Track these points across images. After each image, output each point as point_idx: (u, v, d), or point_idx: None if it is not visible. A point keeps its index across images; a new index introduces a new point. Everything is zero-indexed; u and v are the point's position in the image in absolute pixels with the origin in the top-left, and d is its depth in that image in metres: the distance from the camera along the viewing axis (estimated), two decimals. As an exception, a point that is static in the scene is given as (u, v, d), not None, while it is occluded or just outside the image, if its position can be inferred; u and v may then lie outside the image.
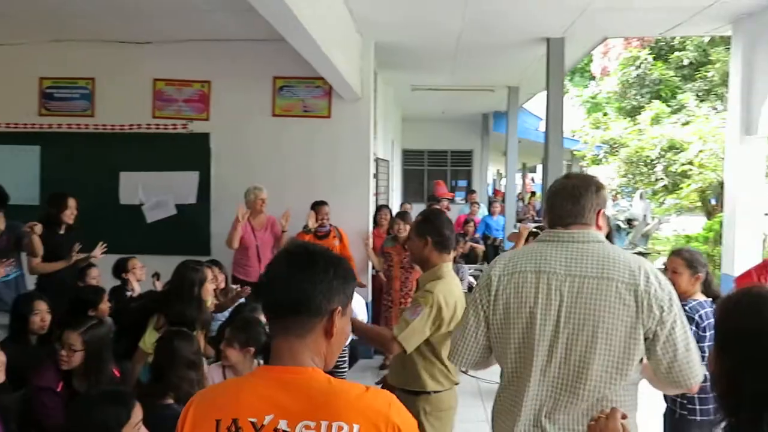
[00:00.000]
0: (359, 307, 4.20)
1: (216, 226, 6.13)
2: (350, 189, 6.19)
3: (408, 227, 5.61)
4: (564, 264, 1.91)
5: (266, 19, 3.61)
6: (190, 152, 6.28)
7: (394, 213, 6.88)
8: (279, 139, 6.26)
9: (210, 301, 3.64)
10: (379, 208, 7.07)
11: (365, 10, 5.29)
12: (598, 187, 2.02)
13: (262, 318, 2.90)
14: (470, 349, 2.04)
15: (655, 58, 13.33)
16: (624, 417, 1.48)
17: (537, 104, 13.20)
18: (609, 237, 5.85)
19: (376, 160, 7.58)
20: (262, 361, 3.21)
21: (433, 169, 15.23)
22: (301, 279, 1.24)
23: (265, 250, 5.55)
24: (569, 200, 1.98)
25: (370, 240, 6.12)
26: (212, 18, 5.42)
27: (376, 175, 7.34)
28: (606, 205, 2.07)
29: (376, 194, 7.76)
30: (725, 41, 12.33)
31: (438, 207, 7.62)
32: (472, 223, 9.26)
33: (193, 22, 5.58)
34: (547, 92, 6.33)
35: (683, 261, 3.17)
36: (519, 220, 11.39)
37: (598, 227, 1.99)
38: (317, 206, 5.67)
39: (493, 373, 2.32)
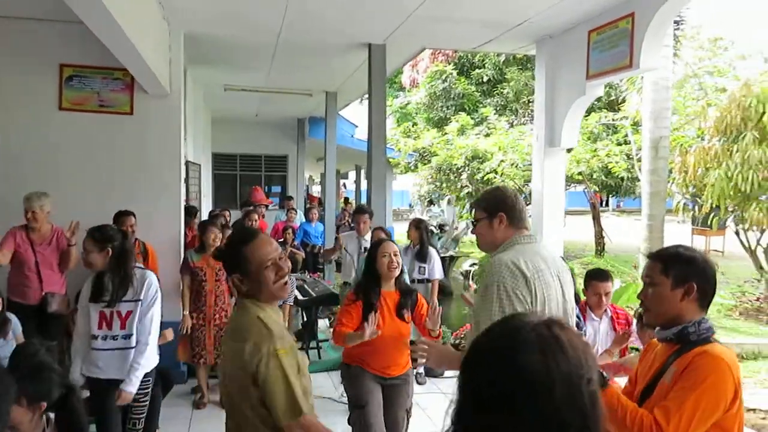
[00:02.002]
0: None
1: (-16, 240, 5.02)
2: (159, 195, 5.50)
3: (221, 235, 5.18)
4: (551, 260, 2.35)
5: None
6: (-53, 150, 5.09)
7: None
8: (69, 137, 5.35)
9: None
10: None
11: (174, -6, 4.72)
12: None
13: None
14: None
15: (459, 74, 14.26)
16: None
17: (351, 112, 13.33)
18: (423, 242, 6.02)
19: (187, 163, 6.91)
20: (52, 416, 2.54)
21: (246, 174, 14.61)
22: None
23: (46, 268, 4.64)
24: (526, 209, 2.45)
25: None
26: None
27: (186, 180, 6.68)
28: None
29: (187, 200, 7.08)
30: (517, 62, 13.62)
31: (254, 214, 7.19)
32: (290, 230, 8.94)
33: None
34: (369, 98, 6.27)
35: None
36: (337, 227, 11.31)
37: None
38: (120, 218, 4.90)
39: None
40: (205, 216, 8.22)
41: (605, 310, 3.82)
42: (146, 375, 3.43)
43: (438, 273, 5.90)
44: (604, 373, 1.83)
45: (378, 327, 3.28)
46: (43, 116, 5.30)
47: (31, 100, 5.28)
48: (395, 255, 3.49)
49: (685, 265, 1.87)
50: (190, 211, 6.70)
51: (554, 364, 0.94)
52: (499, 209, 2.38)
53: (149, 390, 3.53)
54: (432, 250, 6.00)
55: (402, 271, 3.62)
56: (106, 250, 3.27)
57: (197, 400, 5.21)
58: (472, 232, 2.59)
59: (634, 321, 3.68)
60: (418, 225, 6.12)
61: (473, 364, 1.03)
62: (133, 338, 3.34)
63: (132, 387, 3.32)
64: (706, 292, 1.87)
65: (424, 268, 5.82)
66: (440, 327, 3.44)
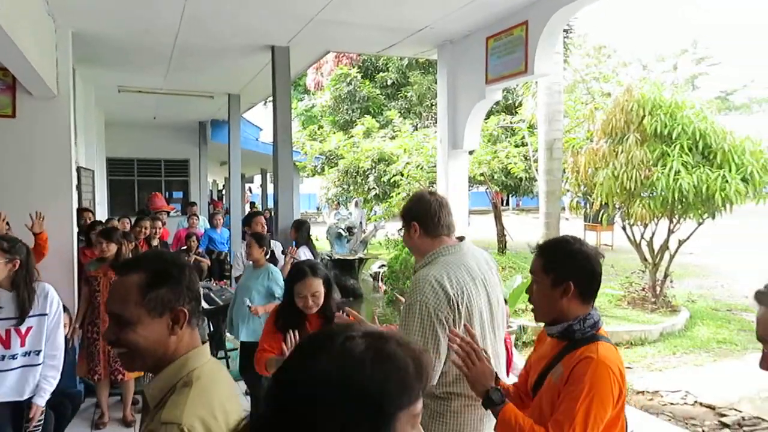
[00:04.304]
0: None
1: None
2: (48, 203, 5.10)
3: (113, 246, 4.77)
4: (477, 268, 2.30)
5: None
6: None
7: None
8: (-60, 142, 4.88)
9: None
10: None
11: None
12: None
13: None
14: (443, 365, 2.18)
15: (363, 77, 14.37)
16: None
17: (255, 114, 13.08)
18: (297, 242, 6.06)
19: (78, 169, 6.50)
20: None
21: (144, 180, 13.95)
22: None
23: None
24: (450, 215, 2.35)
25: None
26: None
27: (79, 187, 6.28)
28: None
29: (80, 209, 6.64)
30: (420, 66, 13.93)
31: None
32: (194, 238, 8.62)
33: None
34: (274, 101, 6.18)
35: None
36: (244, 233, 11.03)
37: None
38: None
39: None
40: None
41: None
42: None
43: None
44: (500, 390, 1.85)
45: None
46: None
47: None
48: (313, 296, 3.02)
49: (563, 263, 1.86)
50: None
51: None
52: (412, 218, 2.33)
53: (43, 416, 3.31)
54: (303, 251, 5.98)
55: (329, 295, 3.13)
56: (13, 261, 3.06)
57: (96, 420, 4.92)
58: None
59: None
60: (297, 226, 6.35)
61: (286, 382, 0.95)
62: (40, 355, 3.17)
63: (43, 400, 3.19)
64: (587, 289, 1.87)
65: None
66: None
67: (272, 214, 7.02)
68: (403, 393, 0.92)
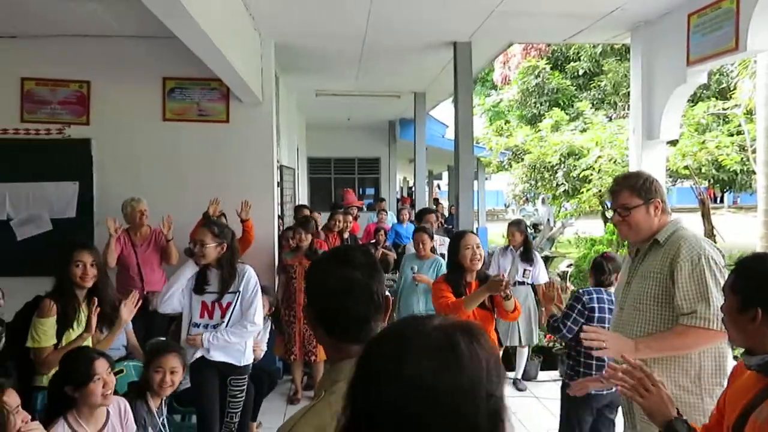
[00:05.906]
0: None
1: (101, 243, 5.46)
2: (253, 198, 5.73)
3: (309, 237, 5.30)
4: None
5: (151, 11, 3.18)
6: (69, 160, 5.60)
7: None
8: (171, 146, 5.73)
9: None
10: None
11: (262, 5, 4.91)
12: None
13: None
14: None
15: (552, 68, 13.81)
16: None
17: (442, 112, 13.29)
18: (528, 243, 5.88)
19: (281, 167, 7.17)
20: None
21: (340, 177, 14.97)
22: None
23: (147, 268, 4.99)
24: None
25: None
26: (85, 10, 4.80)
27: (280, 184, 6.94)
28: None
29: (281, 203, 7.34)
30: (615, 52, 13.00)
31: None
32: (382, 232, 9.03)
33: (63, 14, 4.93)
34: (456, 97, 6.21)
35: None
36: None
37: None
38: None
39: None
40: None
41: None
42: (242, 373, 3.68)
43: (543, 277, 5.69)
44: (686, 421, 1.65)
45: None
46: (149, 127, 5.71)
47: (138, 113, 5.70)
48: (477, 247, 3.57)
49: (754, 286, 1.58)
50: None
51: (445, 375, 0.84)
52: (655, 195, 2.37)
53: (244, 387, 3.76)
54: (536, 253, 5.88)
55: (483, 262, 3.69)
56: (222, 245, 3.53)
57: (291, 396, 5.40)
58: (619, 221, 2.43)
59: None
60: (519, 226, 6.05)
61: (360, 375, 0.93)
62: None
63: (207, 341, 3.53)
64: None
65: (530, 271, 5.69)
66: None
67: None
68: (498, 381, 0.88)
